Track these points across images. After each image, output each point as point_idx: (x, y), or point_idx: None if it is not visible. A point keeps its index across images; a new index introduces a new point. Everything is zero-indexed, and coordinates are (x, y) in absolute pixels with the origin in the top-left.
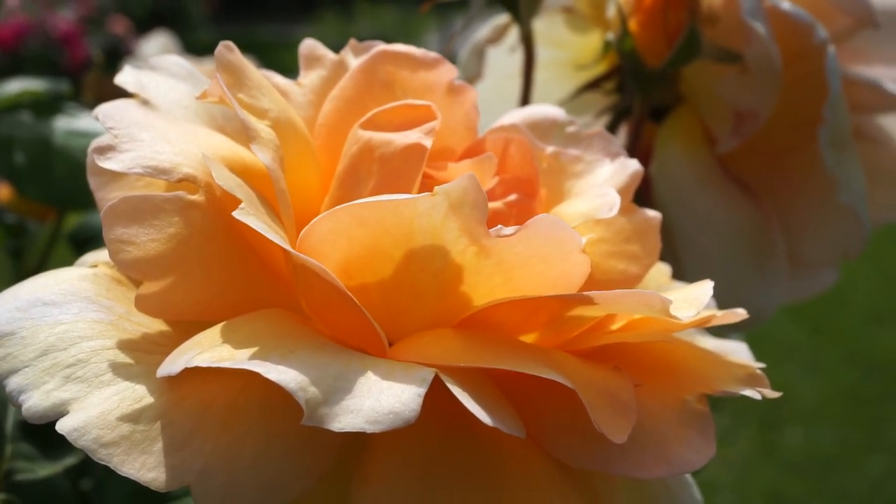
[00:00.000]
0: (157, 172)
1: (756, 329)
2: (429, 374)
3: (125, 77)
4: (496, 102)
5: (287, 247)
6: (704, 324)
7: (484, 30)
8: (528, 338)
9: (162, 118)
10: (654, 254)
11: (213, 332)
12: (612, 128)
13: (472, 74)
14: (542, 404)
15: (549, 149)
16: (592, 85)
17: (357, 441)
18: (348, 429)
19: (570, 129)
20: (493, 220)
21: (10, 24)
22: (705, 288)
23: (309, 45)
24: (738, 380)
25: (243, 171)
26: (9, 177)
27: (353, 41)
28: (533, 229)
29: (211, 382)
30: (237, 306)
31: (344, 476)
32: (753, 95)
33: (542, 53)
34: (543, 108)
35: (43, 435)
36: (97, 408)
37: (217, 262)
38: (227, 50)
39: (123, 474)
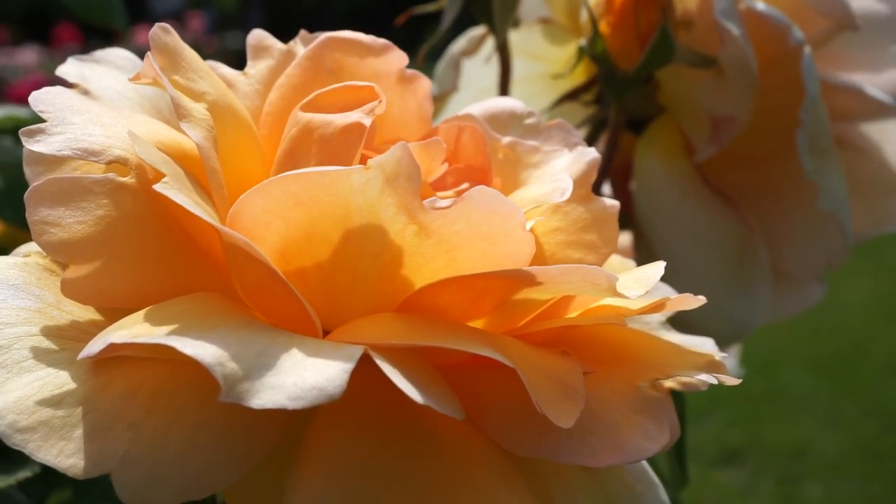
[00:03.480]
0: (87, 154)
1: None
2: (357, 350)
3: (67, 68)
4: None
5: (213, 222)
6: (658, 309)
7: (460, 41)
8: (477, 324)
9: (99, 105)
10: (612, 243)
11: (139, 315)
12: (591, 139)
13: (448, 86)
14: (487, 390)
15: (506, 139)
16: (570, 96)
17: (294, 430)
18: (269, 405)
19: (529, 120)
20: None
21: (28, 82)
22: (656, 268)
23: (257, 35)
24: (695, 366)
25: (181, 157)
26: None
27: (303, 32)
28: (469, 202)
29: (139, 368)
30: (169, 292)
31: (279, 466)
32: (730, 99)
33: (522, 67)
34: (502, 100)
35: None
36: (15, 393)
37: (147, 246)
38: (163, 32)
39: (39, 460)
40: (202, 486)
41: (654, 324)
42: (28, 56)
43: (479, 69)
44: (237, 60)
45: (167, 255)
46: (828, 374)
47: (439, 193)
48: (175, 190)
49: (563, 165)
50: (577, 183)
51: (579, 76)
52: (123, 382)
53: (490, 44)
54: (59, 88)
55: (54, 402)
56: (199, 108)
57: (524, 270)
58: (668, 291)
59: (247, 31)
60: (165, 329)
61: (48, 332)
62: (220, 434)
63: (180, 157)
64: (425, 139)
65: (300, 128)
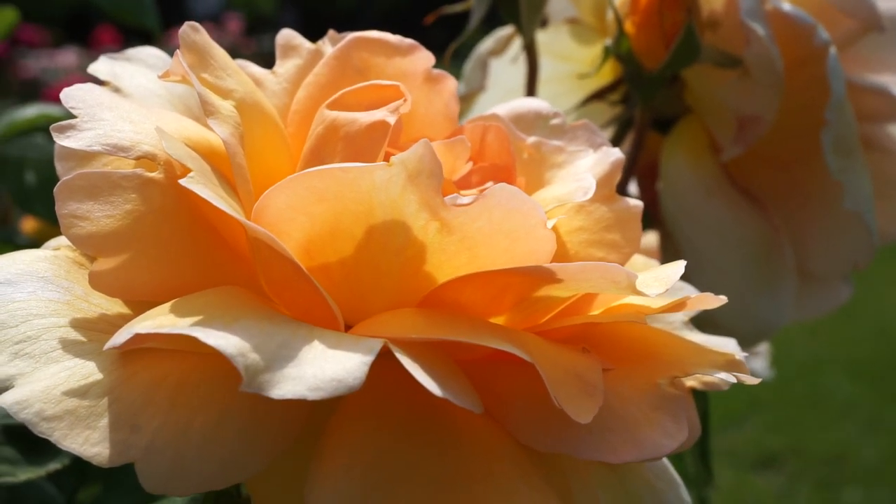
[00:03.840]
0: (116, 150)
1: (772, 340)
2: (377, 343)
3: (99, 66)
4: None
5: (238, 216)
6: (679, 308)
7: (487, 42)
8: (498, 320)
9: (129, 102)
10: (635, 242)
11: (165, 307)
12: (617, 139)
13: (476, 86)
14: (507, 385)
15: (531, 139)
16: (597, 96)
17: (316, 422)
18: (289, 396)
19: (555, 121)
20: None
21: (67, 83)
22: (676, 267)
23: (286, 35)
24: (715, 365)
25: (208, 154)
26: (17, 196)
27: (331, 32)
28: (491, 199)
29: (164, 360)
30: (195, 286)
31: (301, 458)
32: (756, 99)
33: (550, 67)
34: (528, 101)
35: (28, 440)
36: (43, 382)
37: (174, 241)
38: (193, 30)
39: (65, 448)
40: (225, 476)
41: (676, 323)
42: (68, 58)
43: (506, 69)
44: (273, 62)
45: (193, 249)
46: (869, 379)
47: (463, 192)
48: (200, 185)
49: (588, 165)
50: (601, 183)
51: (606, 76)
52: (148, 374)
53: (517, 44)
54: (90, 85)
55: (80, 392)
56: (226, 106)
57: (544, 267)
58: (690, 291)
59: None
60: (189, 321)
61: (76, 323)
62: (243, 425)
63: (208, 154)
64: (451, 138)
65: (326, 125)
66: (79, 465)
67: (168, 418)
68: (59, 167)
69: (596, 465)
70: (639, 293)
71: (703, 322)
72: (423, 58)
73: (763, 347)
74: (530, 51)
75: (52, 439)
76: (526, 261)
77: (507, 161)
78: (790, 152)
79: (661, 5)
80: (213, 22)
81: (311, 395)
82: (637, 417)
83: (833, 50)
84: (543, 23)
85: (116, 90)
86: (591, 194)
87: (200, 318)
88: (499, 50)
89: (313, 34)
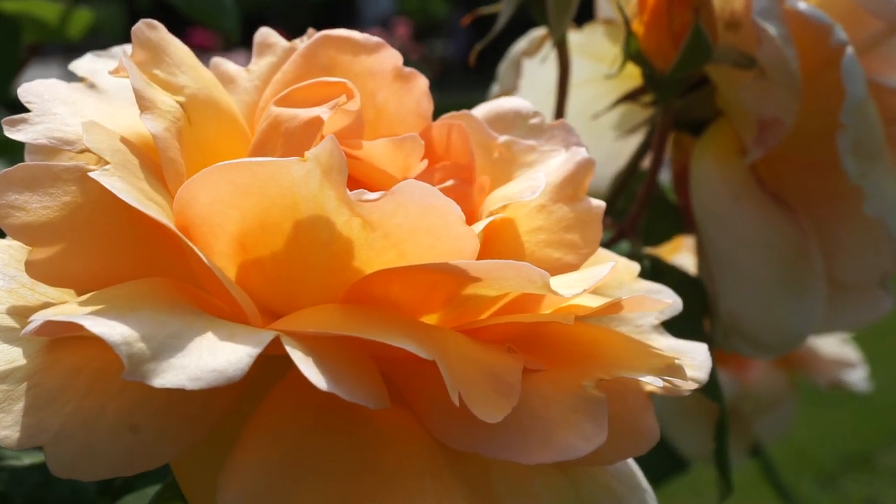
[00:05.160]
0: (61, 143)
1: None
2: (268, 336)
3: (81, 63)
4: None
5: (144, 208)
6: (613, 309)
7: (521, 42)
8: (431, 318)
9: (94, 97)
10: (594, 243)
11: (86, 296)
12: (648, 141)
13: (509, 87)
14: (426, 383)
15: (502, 138)
16: (629, 97)
17: (244, 412)
18: (168, 385)
19: (534, 120)
20: None
21: None
22: (601, 268)
23: (262, 33)
24: (652, 369)
25: (152, 149)
26: None
27: (311, 29)
28: (399, 195)
29: (90, 348)
30: (131, 276)
31: (223, 449)
32: (774, 101)
33: (589, 68)
34: (509, 100)
35: None
36: None
37: (109, 232)
38: (148, 27)
39: None
40: (132, 463)
41: (645, 326)
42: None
43: (543, 70)
44: (442, 67)
45: (130, 241)
46: None
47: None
48: (111, 177)
49: (556, 165)
50: (565, 183)
51: (638, 77)
52: (71, 361)
53: (550, 44)
54: (52, 81)
55: (1, 376)
56: (166, 101)
57: (454, 264)
58: (668, 295)
59: (453, 39)
60: (88, 310)
61: (14, 311)
62: (155, 414)
63: (151, 149)
64: (422, 137)
65: (270, 121)
66: None
67: (81, 404)
68: (27, 160)
69: (543, 467)
70: (553, 293)
71: (729, 330)
72: (390, 56)
73: (854, 356)
74: (561, 50)
75: None
76: (449, 258)
77: (467, 160)
78: (819, 155)
79: (670, 4)
80: (382, 26)
81: (191, 385)
82: (556, 419)
83: (850, 50)
84: (580, 23)
85: (91, 86)
86: (538, 193)
87: (101, 307)
88: (532, 51)
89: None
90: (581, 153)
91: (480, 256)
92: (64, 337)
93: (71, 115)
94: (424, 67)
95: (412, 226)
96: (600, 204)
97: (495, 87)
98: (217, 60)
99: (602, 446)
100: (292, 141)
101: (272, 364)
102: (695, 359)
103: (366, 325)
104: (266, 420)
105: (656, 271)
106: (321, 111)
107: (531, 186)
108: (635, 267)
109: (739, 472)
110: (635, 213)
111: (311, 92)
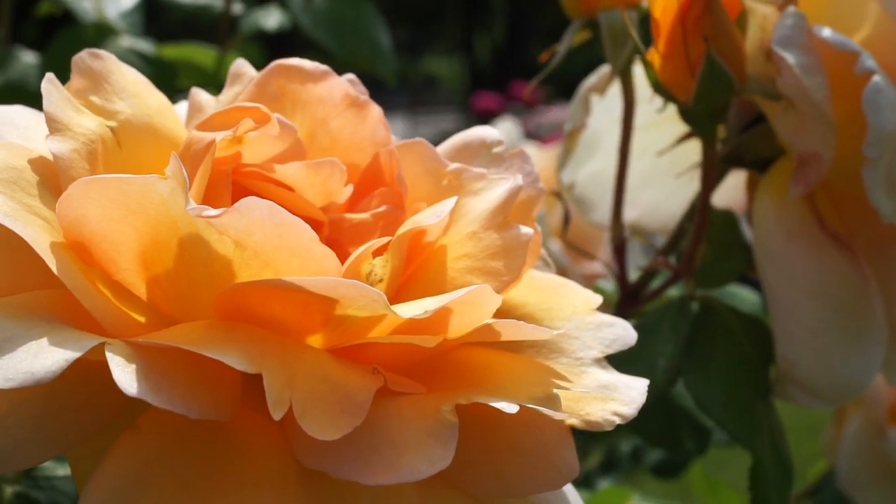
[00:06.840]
0: None
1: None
2: (90, 342)
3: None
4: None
5: (17, 228)
6: (486, 335)
7: (591, 78)
8: (315, 339)
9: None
10: (516, 271)
11: None
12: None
13: (578, 124)
14: None
15: (452, 166)
16: (693, 133)
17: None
18: None
19: (497, 149)
20: (360, 230)
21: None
22: (445, 297)
23: (237, 64)
24: (529, 398)
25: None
26: None
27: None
28: (241, 211)
29: None
30: (17, 290)
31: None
32: (809, 134)
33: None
34: (478, 129)
35: None
36: None
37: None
38: (91, 57)
39: None
40: (7, 462)
41: (585, 359)
42: (556, 114)
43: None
44: None
45: (17, 253)
46: None
47: (358, 216)
48: None
49: (498, 192)
50: (497, 210)
51: None
52: None
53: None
54: (15, 107)
55: None
56: (85, 124)
57: (288, 281)
58: (622, 327)
59: None
60: None
61: None
62: (32, 416)
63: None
64: (372, 164)
65: (184, 145)
66: None
67: None
68: None
69: (454, 493)
70: (392, 313)
71: (784, 377)
72: (337, 84)
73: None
74: (625, 84)
75: None
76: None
77: (396, 186)
78: None
79: (685, 33)
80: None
81: (4, 385)
82: (408, 442)
83: (876, 79)
84: None
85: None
86: (440, 218)
87: None
88: (601, 87)
89: None
90: (515, 181)
91: (407, 283)
92: None
93: (18, 139)
94: None
95: (274, 244)
96: (528, 231)
97: (568, 125)
98: (194, 90)
99: (514, 480)
100: (194, 164)
101: None
102: (625, 395)
103: (200, 338)
104: (144, 428)
105: (706, 312)
106: (216, 135)
107: (436, 212)
108: (596, 299)
109: None
110: (688, 253)
111: (228, 117)
